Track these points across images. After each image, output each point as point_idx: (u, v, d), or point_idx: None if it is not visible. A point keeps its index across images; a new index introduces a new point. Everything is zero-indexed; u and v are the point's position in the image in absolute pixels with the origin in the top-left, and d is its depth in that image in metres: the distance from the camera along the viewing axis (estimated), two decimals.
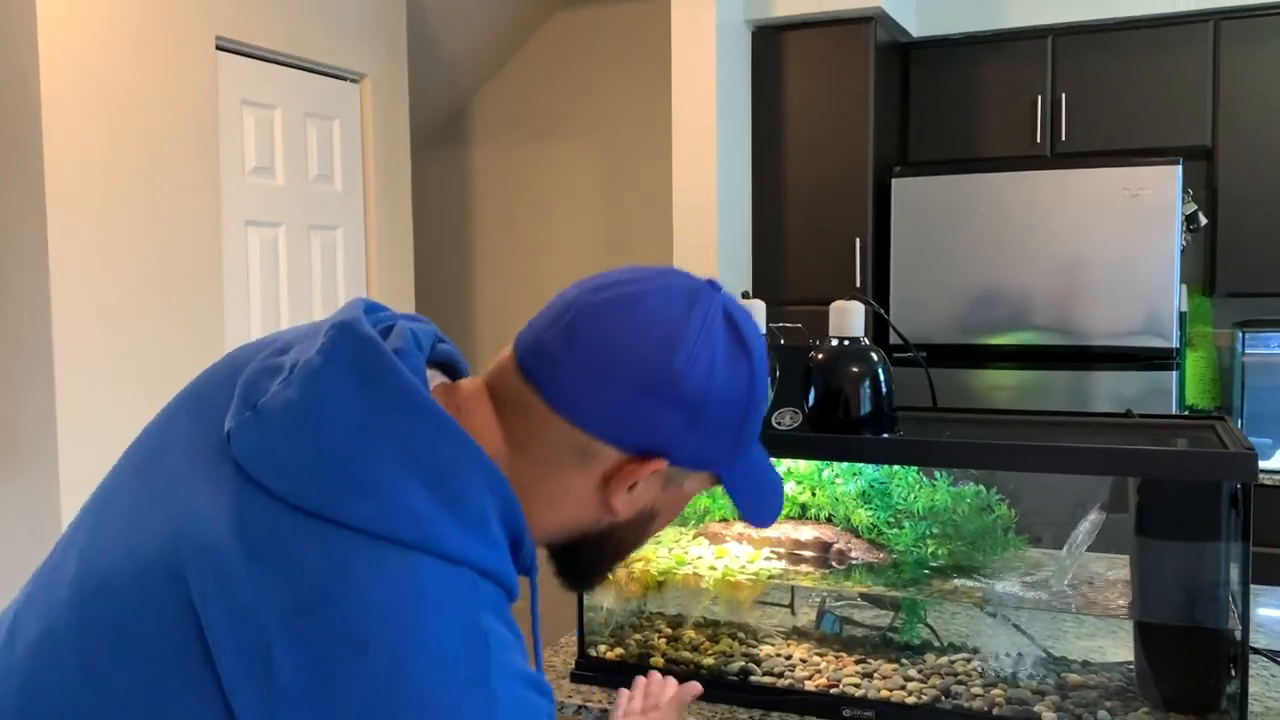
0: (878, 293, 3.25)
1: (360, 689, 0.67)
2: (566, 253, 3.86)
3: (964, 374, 3.16)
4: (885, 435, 1.46)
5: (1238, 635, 1.21)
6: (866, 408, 1.47)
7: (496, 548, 0.75)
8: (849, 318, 1.51)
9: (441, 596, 0.70)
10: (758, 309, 1.57)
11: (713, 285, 0.84)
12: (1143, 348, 2.95)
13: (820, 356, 1.50)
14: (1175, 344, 2.93)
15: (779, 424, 1.47)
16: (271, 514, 0.72)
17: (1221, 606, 1.24)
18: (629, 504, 0.83)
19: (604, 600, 1.58)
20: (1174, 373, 2.92)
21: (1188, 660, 1.28)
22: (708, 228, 3.01)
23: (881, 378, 1.48)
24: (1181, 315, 3.01)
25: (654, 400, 0.78)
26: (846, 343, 1.49)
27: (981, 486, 1.53)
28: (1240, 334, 3.07)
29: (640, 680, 1.29)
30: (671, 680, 1.27)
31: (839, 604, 1.68)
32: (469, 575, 0.72)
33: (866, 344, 1.50)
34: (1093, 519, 1.37)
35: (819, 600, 1.67)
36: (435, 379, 0.85)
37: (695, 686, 1.22)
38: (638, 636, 1.56)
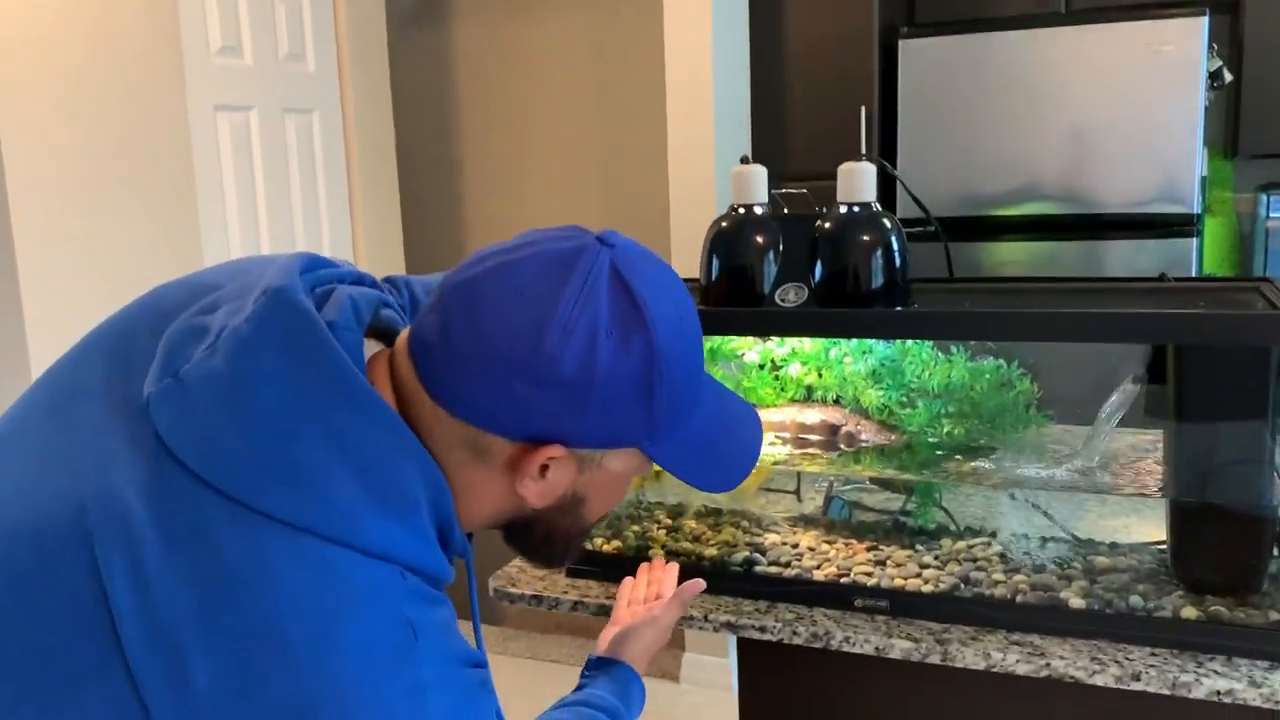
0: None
1: (281, 690, 0.62)
2: (556, 134, 3.68)
3: (973, 248, 3.02)
4: (900, 308, 1.35)
5: None
6: (879, 279, 1.35)
7: (425, 539, 0.72)
8: (859, 180, 1.38)
9: (367, 592, 0.67)
10: (757, 175, 1.43)
11: (603, 241, 0.74)
12: (1161, 214, 2.81)
13: (827, 225, 1.38)
14: (1196, 210, 2.79)
15: (783, 300, 1.36)
16: (190, 496, 0.66)
17: (1265, 483, 1.14)
18: (543, 493, 0.77)
19: None
20: (1194, 240, 2.79)
21: (1226, 541, 1.19)
22: (704, 97, 2.85)
23: (895, 246, 1.36)
24: (1202, 180, 2.87)
25: (530, 386, 0.71)
26: (856, 209, 1.37)
27: (1001, 361, 1.43)
28: (1264, 197, 2.92)
29: (644, 566, 1.24)
30: (674, 567, 1.22)
31: (847, 488, 1.59)
32: (395, 570, 0.69)
33: (878, 209, 1.38)
34: (1124, 392, 1.27)
35: (826, 486, 1.58)
36: (373, 349, 0.79)
37: (699, 583, 1.15)
38: (636, 528, 1.47)
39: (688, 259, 2.80)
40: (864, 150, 3.18)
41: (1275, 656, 1.09)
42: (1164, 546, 1.28)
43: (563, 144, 3.65)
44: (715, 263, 1.41)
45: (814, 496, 1.60)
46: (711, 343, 1.58)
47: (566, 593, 1.37)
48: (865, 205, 1.37)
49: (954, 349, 1.45)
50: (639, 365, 0.72)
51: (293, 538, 0.66)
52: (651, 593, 1.20)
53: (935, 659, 1.17)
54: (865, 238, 1.36)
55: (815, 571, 1.33)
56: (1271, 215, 2.90)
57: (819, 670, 1.44)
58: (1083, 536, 1.39)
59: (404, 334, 0.78)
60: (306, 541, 0.66)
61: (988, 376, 1.41)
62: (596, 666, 1.08)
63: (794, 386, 1.57)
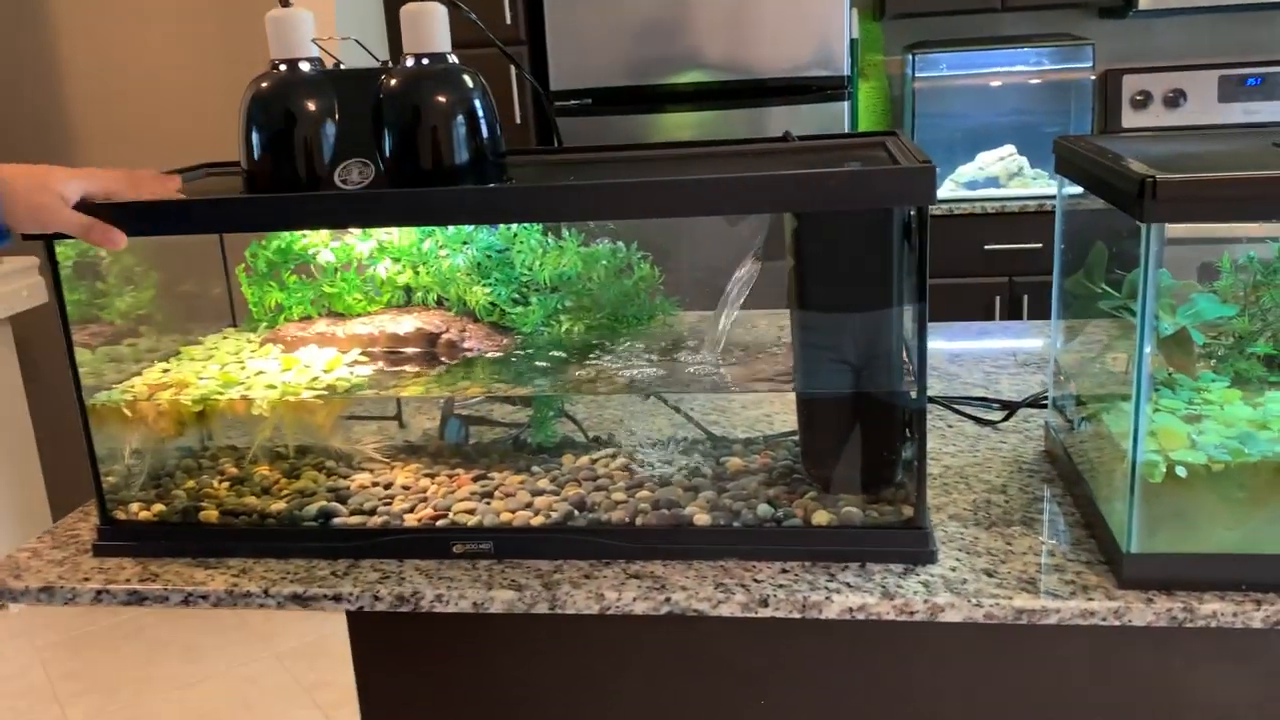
0: (533, 32, 2.82)
1: None
2: None
3: (636, 120, 2.84)
4: (491, 186, 1.10)
5: (914, 394, 0.99)
6: (461, 153, 1.09)
7: None
8: (427, 25, 1.09)
9: None
10: (301, 20, 1.12)
11: None
12: (814, 78, 2.73)
13: (393, 82, 1.09)
14: (846, 72, 2.73)
15: (343, 182, 1.07)
16: None
17: (895, 362, 1.01)
18: None
19: (129, 443, 1.17)
20: (846, 104, 2.74)
21: (854, 434, 1.05)
22: None
23: (479, 109, 1.10)
24: (853, 43, 2.81)
25: None
26: (425, 61, 1.09)
27: (621, 243, 1.23)
28: (911, 58, 2.91)
29: None
30: None
31: (473, 401, 1.36)
32: None
33: (456, 63, 1.11)
34: (745, 272, 1.10)
35: (443, 404, 1.34)
36: None
37: None
38: (191, 484, 1.17)
39: None
40: (508, 18, 2.89)
41: (910, 558, 0.97)
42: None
43: None
44: (255, 137, 1.09)
45: (430, 419, 1.35)
46: (281, 240, 1.28)
47: (88, 579, 1.05)
48: (438, 57, 1.09)
49: (566, 233, 1.23)
50: None
51: None
52: None
53: (543, 608, 0.97)
54: (440, 98, 1.09)
55: (408, 516, 1.09)
56: (918, 75, 2.90)
57: (442, 630, 1.22)
58: (719, 433, 1.24)
59: None
60: None
61: (604, 263, 1.21)
62: None
63: (389, 290, 1.30)
